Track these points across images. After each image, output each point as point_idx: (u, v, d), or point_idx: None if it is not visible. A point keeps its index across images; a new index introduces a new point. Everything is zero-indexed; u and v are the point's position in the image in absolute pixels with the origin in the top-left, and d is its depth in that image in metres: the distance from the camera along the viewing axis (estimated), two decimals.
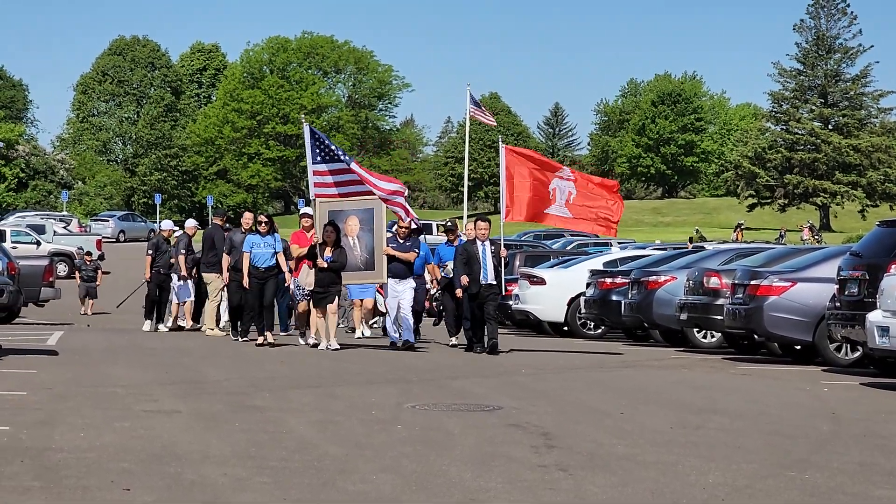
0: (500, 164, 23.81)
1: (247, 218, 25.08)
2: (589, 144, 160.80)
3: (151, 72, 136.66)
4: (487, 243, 22.76)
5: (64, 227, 70.13)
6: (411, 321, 23.19)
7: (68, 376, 16.64)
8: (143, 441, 10.95)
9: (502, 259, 23.00)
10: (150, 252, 28.16)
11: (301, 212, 23.94)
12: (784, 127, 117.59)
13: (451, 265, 24.22)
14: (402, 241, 23.53)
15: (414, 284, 23.56)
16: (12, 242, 54.00)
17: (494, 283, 22.61)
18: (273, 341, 23.12)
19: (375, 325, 28.37)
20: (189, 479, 9.20)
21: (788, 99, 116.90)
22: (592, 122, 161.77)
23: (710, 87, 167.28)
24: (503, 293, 23.58)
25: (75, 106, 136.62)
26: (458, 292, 23.12)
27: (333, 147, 23.42)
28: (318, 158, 23.21)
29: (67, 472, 9.39)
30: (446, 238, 26.34)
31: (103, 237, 68.00)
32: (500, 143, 25.25)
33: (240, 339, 24.15)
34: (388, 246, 23.15)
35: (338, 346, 22.22)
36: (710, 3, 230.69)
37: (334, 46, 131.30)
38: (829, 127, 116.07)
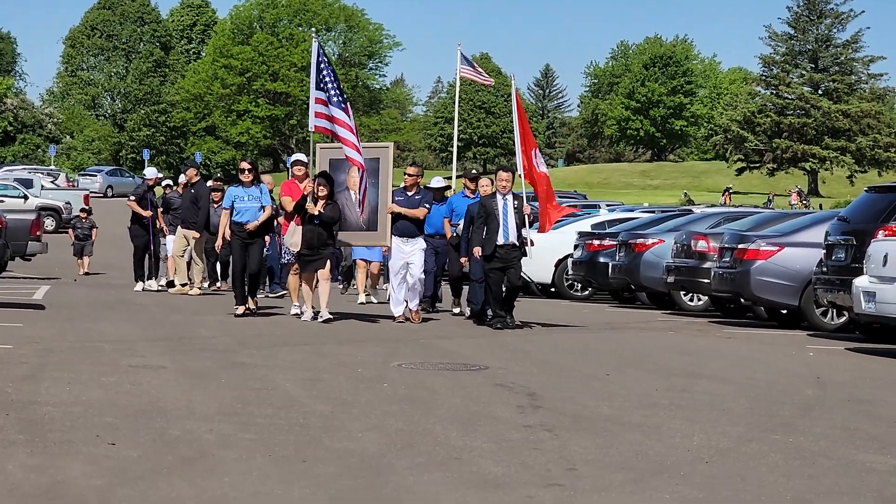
0: (513, 108, 20.95)
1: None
2: (579, 106, 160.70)
3: (141, 27, 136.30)
4: (510, 197, 19.48)
5: (52, 182, 69.97)
6: (421, 287, 20.25)
7: (54, 330, 16.63)
8: (128, 396, 10.95)
9: (526, 217, 19.66)
10: (132, 198, 26.72)
11: (292, 159, 21.05)
12: (774, 91, 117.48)
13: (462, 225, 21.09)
14: (410, 195, 20.25)
15: (424, 245, 20.31)
16: None
17: (515, 243, 19.36)
18: (254, 309, 20.44)
19: (382, 289, 25.80)
20: (174, 434, 9.20)
21: (779, 63, 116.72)
22: (582, 85, 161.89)
23: (701, 50, 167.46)
24: (526, 255, 19.86)
25: (64, 60, 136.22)
26: (464, 261, 20.62)
27: (333, 83, 20.19)
28: (322, 85, 20.17)
29: (52, 426, 9.38)
30: (465, 189, 22.67)
31: (91, 192, 67.85)
32: (513, 80, 22.58)
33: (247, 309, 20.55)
34: (393, 201, 19.88)
35: (329, 316, 19.11)
36: None
37: (325, 4, 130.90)
38: (819, 92, 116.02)
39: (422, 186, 21.02)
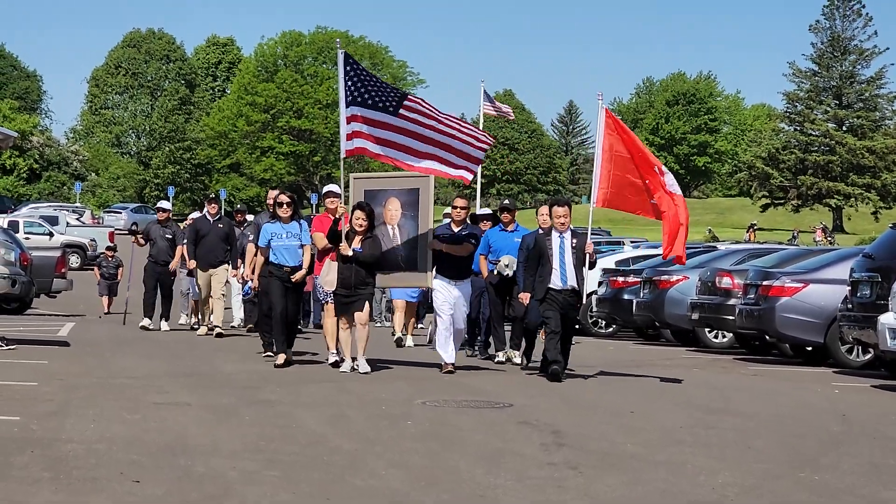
0: (598, 129, 17.67)
1: (271, 197, 19.08)
2: None
3: (166, 64, 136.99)
4: (567, 235, 16.97)
5: (77, 219, 70.27)
6: (462, 334, 18.18)
7: (79, 367, 16.66)
8: (153, 433, 10.95)
9: (587, 257, 17.08)
10: (141, 241, 25.33)
11: (325, 190, 18.74)
12: (798, 128, 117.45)
13: (505, 259, 18.94)
14: (456, 231, 18.00)
15: (470, 289, 18.17)
16: (25, 233, 54.09)
17: (575, 287, 16.93)
18: (291, 360, 17.86)
19: (421, 328, 23.95)
20: (199, 471, 9.20)
21: (803, 100, 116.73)
22: None
23: (725, 87, 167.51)
24: (583, 302, 17.58)
25: (88, 99, 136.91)
26: (524, 297, 17.44)
27: (377, 87, 17.43)
28: (351, 98, 17.36)
29: (77, 463, 9.39)
30: (501, 221, 19.96)
31: (116, 229, 68.07)
32: (599, 100, 17.97)
33: (267, 355, 18.84)
34: (435, 237, 17.65)
35: (368, 369, 16.91)
36: (725, 2, 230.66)
37: (349, 41, 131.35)
38: (844, 128, 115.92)
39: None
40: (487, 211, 20.85)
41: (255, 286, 18.42)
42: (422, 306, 25.57)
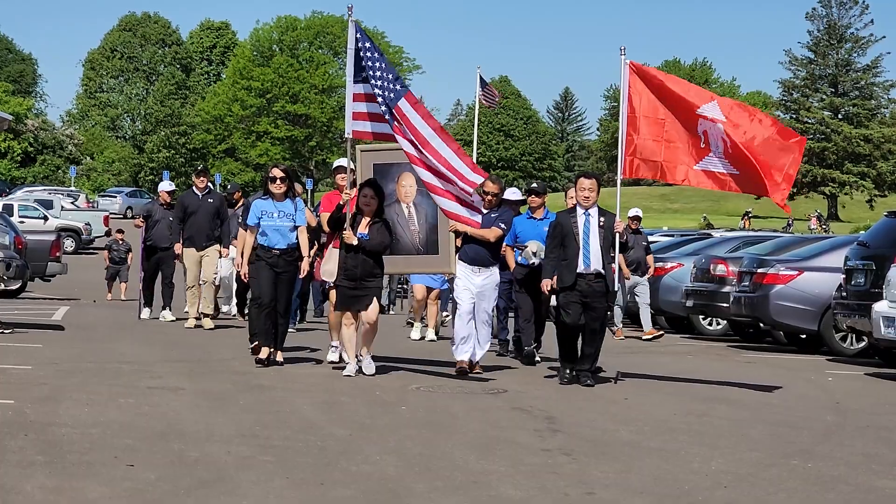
0: (622, 90, 15.54)
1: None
2: (598, 129, 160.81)
3: (162, 48, 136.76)
4: (594, 212, 14.85)
5: (71, 203, 70.22)
6: (489, 332, 16.11)
7: (74, 351, 16.65)
8: (147, 418, 10.95)
9: (618, 238, 15.15)
10: (142, 217, 23.77)
11: (334, 164, 16.82)
12: (794, 116, 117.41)
13: (533, 246, 16.82)
14: (485, 212, 15.48)
15: (498, 278, 16.00)
16: (20, 217, 54.05)
17: (602, 271, 14.75)
18: (282, 361, 15.75)
19: (446, 323, 22.16)
20: (193, 456, 9.20)
21: (799, 87, 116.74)
22: (602, 108, 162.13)
23: (721, 74, 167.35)
24: (614, 289, 15.35)
25: (84, 82, 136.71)
26: (545, 284, 15.02)
27: (384, 69, 14.98)
28: (361, 76, 15.07)
29: (71, 447, 9.39)
30: (528, 207, 17.84)
31: (111, 213, 68.01)
32: (622, 55, 15.57)
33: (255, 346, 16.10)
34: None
35: (374, 371, 14.89)
36: None
37: (345, 26, 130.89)
38: (840, 116, 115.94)
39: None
40: (518, 195, 18.53)
41: (244, 273, 16.01)
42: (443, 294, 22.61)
